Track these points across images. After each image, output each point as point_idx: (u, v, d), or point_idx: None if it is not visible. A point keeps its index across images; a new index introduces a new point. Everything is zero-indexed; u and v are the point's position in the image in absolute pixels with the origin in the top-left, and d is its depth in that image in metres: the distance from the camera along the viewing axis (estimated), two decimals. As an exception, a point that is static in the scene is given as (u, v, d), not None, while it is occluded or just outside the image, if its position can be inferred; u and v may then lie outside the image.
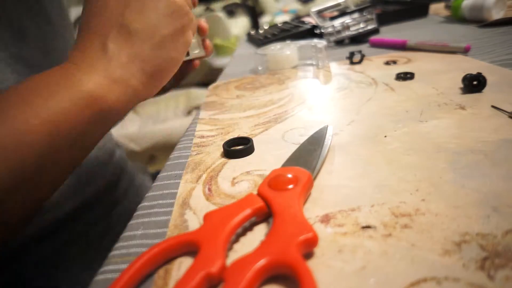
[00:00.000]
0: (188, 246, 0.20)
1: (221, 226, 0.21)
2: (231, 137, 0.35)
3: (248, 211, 0.22)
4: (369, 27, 0.70)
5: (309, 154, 0.28)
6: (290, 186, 0.23)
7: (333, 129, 0.34)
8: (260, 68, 0.61)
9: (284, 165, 0.27)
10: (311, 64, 0.59)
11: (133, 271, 0.18)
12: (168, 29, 0.32)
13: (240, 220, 0.21)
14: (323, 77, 0.52)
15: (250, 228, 0.22)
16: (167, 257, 0.21)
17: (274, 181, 0.24)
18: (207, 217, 0.22)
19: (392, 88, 0.42)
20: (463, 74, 0.38)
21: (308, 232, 0.19)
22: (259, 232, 0.22)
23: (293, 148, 0.30)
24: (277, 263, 0.18)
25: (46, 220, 0.42)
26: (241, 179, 0.28)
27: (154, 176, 0.33)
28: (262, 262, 0.18)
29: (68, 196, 0.44)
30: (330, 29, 0.70)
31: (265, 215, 0.23)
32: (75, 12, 0.93)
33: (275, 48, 0.62)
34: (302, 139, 0.31)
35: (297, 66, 0.60)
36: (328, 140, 0.30)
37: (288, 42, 0.64)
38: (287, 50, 0.59)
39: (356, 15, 0.71)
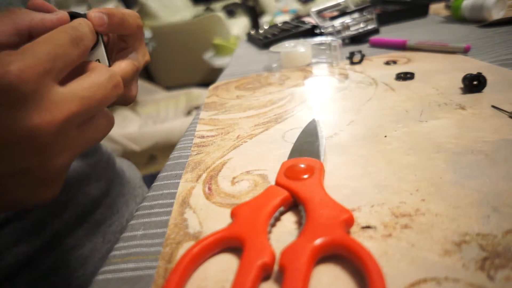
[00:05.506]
0: (230, 242, 0.21)
1: (256, 218, 0.21)
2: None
3: (277, 201, 0.23)
4: (369, 27, 0.70)
5: (310, 145, 0.29)
6: (306, 176, 0.24)
7: (333, 129, 0.34)
8: (274, 66, 0.61)
9: (290, 157, 0.28)
10: (325, 62, 0.59)
11: (179, 273, 0.19)
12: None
13: (271, 210, 0.22)
14: (337, 75, 0.52)
15: (278, 218, 0.23)
16: (208, 255, 0.21)
17: (291, 172, 0.25)
18: (236, 212, 0.22)
19: (392, 88, 0.42)
20: (463, 74, 0.38)
21: (345, 213, 0.20)
22: (288, 221, 0.23)
23: (293, 148, 0.30)
24: (330, 244, 0.19)
25: (20, 252, 0.35)
26: (241, 179, 0.28)
27: (154, 176, 0.33)
28: (314, 245, 0.18)
29: (43, 223, 0.37)
30: (330, 29, 0.70)
31: (291, 204, 0.24)
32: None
33: (289, 45, 0.61)
34: (302, 139, 0.31)
35: (311, 64, 0.60)
36: (321, 132, 0.31)
37: (302, 40, 0.64)
38: (301, 47, 0.59)
39: (356, 15, 0.71)
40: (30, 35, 0.24)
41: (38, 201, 0.22)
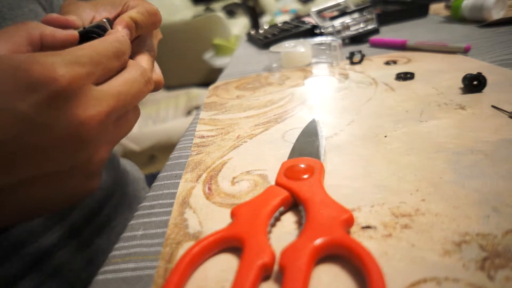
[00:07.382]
0: (230, 242, 0.21)
1: (256, 218, 0.21)
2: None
3: (277, 201, 0.23)
4: (369, 27, 0.70)
5: (310, 145, 0.29)
6: (306, 176, 0.24)
7: (333, 129, 0.34)
8: (274, 66, 0.61)
9: (290, 157, 0.28)
10: (325, 62, 0.59)
11: (179, 273, 0.19)
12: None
13: (271, 210, 0.22)
14: (337, 75, 0.52)
15: (278, 218, 0.23)
16: (208, 255, 0.21)
17: (291, 172, 0.25)
18: (236, 212, 0.22)
19: (392, 88, 0.42)
20: (463, 74, 0.38)
21: (345, 213, 0.20)
22: (288, 221, 0.23)
23: (293, 148, 0.30)
24: (330, 244, 0.19)
25: (27, 254, 0.35)
26: (241, 179, 0.28)
27: (154, 176, 0.33)
28: (314, 245, 0.18)
29: (51, 224, 0.38)
30: (330, 29, 0.70)
31: (290, 204, 0.24)
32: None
33: (289, 45, 0.61)
34: (302, 139, 0.31)
35: (311, 64, 0.60)
36: (321, 132, 0.31)
37: (302, 40, 0.64)
38: (301, 47, 0.59)
39: (356, 15, 0.71)
40: (41, 46, 0.25)
41: (85, 193, 0.23)
